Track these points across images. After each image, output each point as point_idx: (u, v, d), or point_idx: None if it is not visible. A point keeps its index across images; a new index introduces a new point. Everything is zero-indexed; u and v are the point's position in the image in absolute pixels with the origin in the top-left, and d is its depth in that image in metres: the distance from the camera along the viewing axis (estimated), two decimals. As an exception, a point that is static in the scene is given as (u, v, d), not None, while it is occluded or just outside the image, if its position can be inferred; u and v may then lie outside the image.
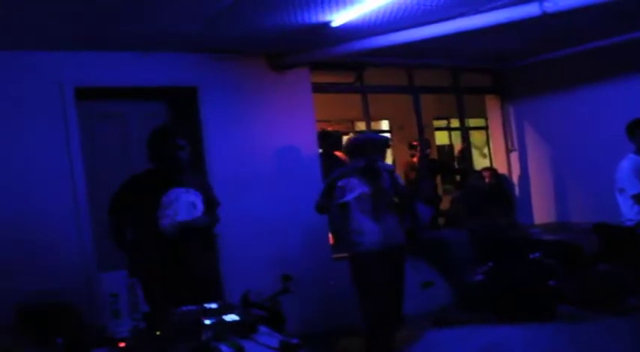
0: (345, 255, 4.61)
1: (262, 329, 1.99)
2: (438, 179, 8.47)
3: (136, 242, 3.83)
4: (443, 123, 10.43)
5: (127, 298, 2.94)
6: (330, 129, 7.84)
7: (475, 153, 10.23)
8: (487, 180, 7.09)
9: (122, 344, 2.01)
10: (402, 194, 4.52)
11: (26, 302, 3.95)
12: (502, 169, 7.47)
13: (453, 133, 10.21)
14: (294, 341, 1.86)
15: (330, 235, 5.74)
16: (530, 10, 4.48)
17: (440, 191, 8.71)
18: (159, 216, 3.72)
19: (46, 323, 2.41)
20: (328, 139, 6.45)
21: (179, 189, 3.80)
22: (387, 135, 9.69)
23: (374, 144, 4.52)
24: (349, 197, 4.34)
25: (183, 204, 3.78)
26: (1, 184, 4.72)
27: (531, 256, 4.19)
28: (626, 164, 4.97)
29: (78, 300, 4.00)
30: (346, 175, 4.41)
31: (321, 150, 6.23)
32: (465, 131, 7.76)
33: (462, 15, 4.74)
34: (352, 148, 4.59)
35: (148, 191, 3.76)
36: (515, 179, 7.48)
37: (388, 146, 4.78)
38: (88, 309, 4.27)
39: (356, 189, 4.36)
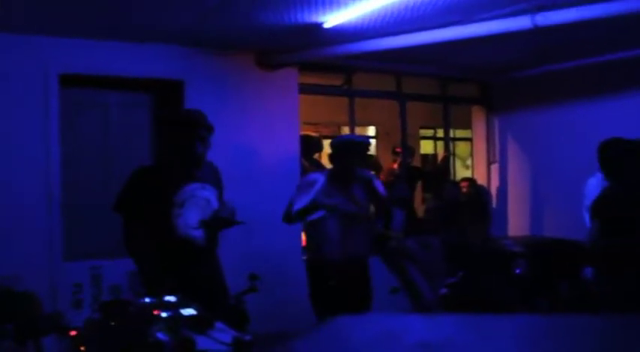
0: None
1: (218, 325, 1.95)
2: (419, 187, 8.47)
3: (147, 247, 3.22)
4: (429, 132, 10.44)
5: (90, 289, 2.87)
6: (315, 132, 7.81)
7: (458, 164, 10.26)
8: (465, 190, 7.09)
9: (73, 333, 1.95)
10: (380, 202, 4.36)
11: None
12: (482, 180, 7.48)
13: (439, 143, 10.23)
14: (248, 338, 1.82)
15: (302, 236, 5.70)
16: (521, 23, 4.47)
17: (420, 199, 8.71)
18: (173, 216, 3.19)
19: (2, 309, 2.35)
20: (309, 143, 6.41)
21: (195, 185, 3.28)
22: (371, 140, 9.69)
23: (353, 146, 4.21)
24: (299, 203, 4.07)
25: (199, 202, 3.27)
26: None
27: (505, 270, 4.17)
28: (593, 182, 4.99)
29: (40, 288, 3.92)
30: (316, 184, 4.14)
31: (302, 153, 6.19)
32: (448, 141, 7.77)
33: (453, 24, 4.72)
34: (332, 150, 4.31)
35: (160, 187, 3.21)
36: (493, 191, 7.49)
37: (368, 149, 4.43)
38: (50, 298, 4.20)
39: (328, 194, 4.12)
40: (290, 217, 4.15)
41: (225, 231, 3.48)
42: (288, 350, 0.70)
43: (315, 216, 4.09)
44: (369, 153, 4.36)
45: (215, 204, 3.34)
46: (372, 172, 5.25)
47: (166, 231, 3.18)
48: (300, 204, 4.05)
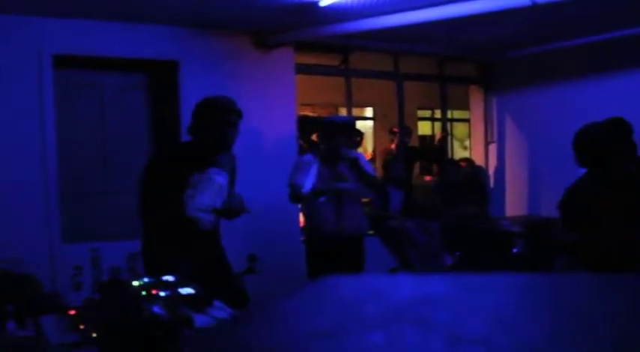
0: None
1: (216, 303, 1.95)
2: (417, 168, 8.45)
3: (156, 226, 3.32)
4: (427, 113, 10.40)
5: (90, 271, 2.87)
6: (311, 113, 7.79)
7: (456, 145, 10.24)
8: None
9: (72, 312, 1.96)
10: (368, 181, 4.41)
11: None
12: (479, 160, 7.48)
13: (436, 124, 10.20)
14: (246, 316, 1.82)
15: (300, 217, 5.72)
16: (519, 1, 4.43)
17: (418, 179, 8.70)
18: (186, 196, 3.28)
19: (3, 291, 2.36)
20: (307, 124, 6.40)
21: (213, 170, 3.40)
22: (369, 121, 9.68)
23: (337, 127, 4.34)
24: (308, 184, 4.22)
25: (213, 187, 3.38)
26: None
27: (503, 249, 4.18)
28: None
29: (40, 271, 3.92)
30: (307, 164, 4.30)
31: (300, 134, 6.17)
32: (445, 121, 7.74)
33: (451, 1, 4.68)
34: (319, 131, 4.49)
35: (181, 166, 3.31)
36: (491, 171, 7.49)
37: (353, 130, 4.58)
38: (50, 280, 4.21)
39: (321, 175, 4.27)
40: (299, 198, 4.30)
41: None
42: (275, 309, 0.71)
43: (322, 198, 4.24)
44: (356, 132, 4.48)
45: (225, 190, 3.44)
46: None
47: (177, 208, 3.26)
48: (309, 185, 4.19)
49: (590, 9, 4.83)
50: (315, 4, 4.76)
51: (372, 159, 8.90)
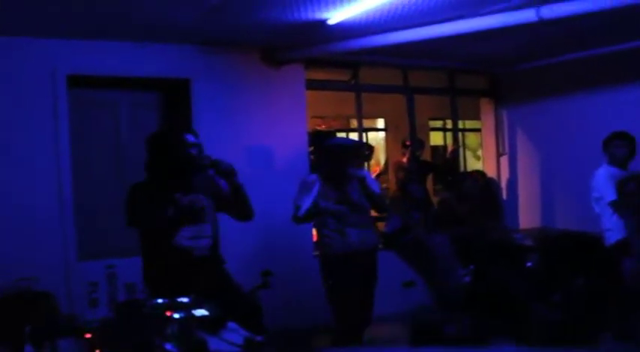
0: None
1: (230, 325, 1.98)
2: (430, 180, 8.45)
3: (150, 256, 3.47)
4: (439, 123, 10.40)
5: (106, 288, 2.93)
6: (324, 126, 7.81)
7: (468, 155, 10.23)
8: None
9: (88, 335, 1.99)
10: (374, 200, 4.43)
11: (3, 290, 3.92)
12: (491, 173, 7.46)
13: (448, 134, 10.20)
14: (259, 339, 1.85)
15: (313, 232, 5.75)
16: (526, 16, 4.47)
17: (431, 192, 8.70)
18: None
19: (20, 311, 2.40)
20: (321, 138, 6.43)
21: (191, 196, 3.45)
22: (381, 133, 9.70)
23: (343, 150, 4.40)
24: (304, 205, 4.28)
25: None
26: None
27: (516, 263, 4.17)
28: (602, 172, 5.01)
29: (56, 288, 3.98)
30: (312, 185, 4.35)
31: (312, 148, 6.20)
32: (457, 132, 7.75)
33: (459, 18, 4.72)
34: (323, 153, 4.50)
35: (153, 202, 3.32)
36: (503, 183, 7.48)
37: (359, 152, 4.62)
38: (66, 297, 4.26)
39: (324, 195, 4.31)
40: (298, 219, 4.34)
41: (229, 228, 3.53)
42: None
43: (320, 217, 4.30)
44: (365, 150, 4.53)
45: (210, 214, 3.48)
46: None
47: (164, 241, 3.33)
48: (305, 206, 4.25)
49: (598, 21, 4.84)
50: (324, 22, 4.82)
51: (385, 171, 8.92)
